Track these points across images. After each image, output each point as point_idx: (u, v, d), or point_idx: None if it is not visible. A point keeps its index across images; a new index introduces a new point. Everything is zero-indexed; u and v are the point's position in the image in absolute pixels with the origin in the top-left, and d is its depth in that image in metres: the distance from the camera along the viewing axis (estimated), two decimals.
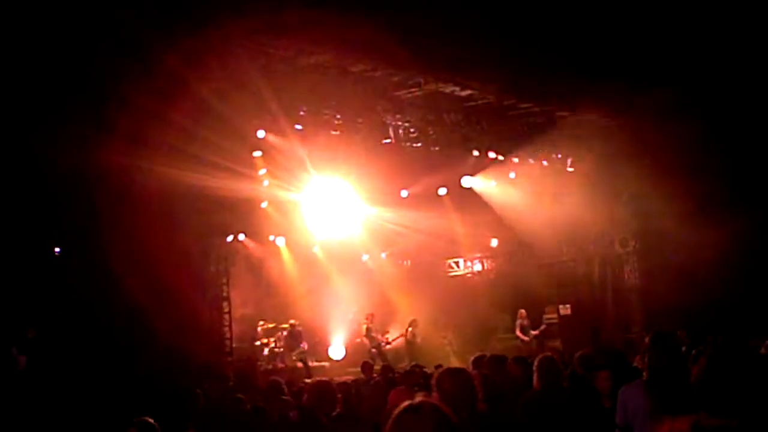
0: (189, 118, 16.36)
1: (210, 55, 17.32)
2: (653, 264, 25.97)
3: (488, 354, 10.79)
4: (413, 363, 17.14)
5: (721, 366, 3.18)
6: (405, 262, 29.07)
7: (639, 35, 21.19)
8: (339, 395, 8.64)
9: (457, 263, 29.94)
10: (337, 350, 25.31)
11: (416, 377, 11.99)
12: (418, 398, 3.54)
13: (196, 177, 16.72)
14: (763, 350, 12.46)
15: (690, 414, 3.21)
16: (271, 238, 25.95)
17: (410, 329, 25.58)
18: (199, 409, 10.26)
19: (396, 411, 3.35)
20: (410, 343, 25.43)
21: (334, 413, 8.03)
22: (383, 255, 29.07)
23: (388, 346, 24.41)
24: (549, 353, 13.96)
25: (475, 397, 5.87)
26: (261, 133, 20.43)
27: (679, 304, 23.43)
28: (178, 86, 15.84)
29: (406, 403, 3.40)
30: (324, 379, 9.33)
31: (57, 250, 16.77)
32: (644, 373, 7.25)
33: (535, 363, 8.66)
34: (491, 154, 25.45)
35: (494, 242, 29.81)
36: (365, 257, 28.58)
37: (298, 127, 20.55)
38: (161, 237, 15.48)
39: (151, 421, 5.75)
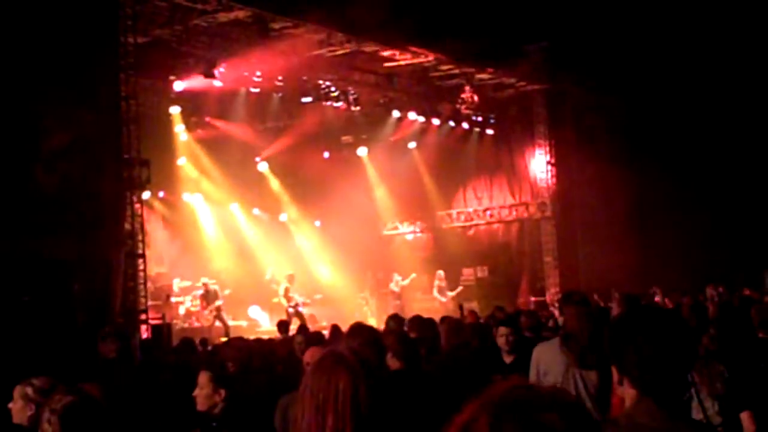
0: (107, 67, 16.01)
1: (127, 7, 16.94)
2: (570, 228, 26.36)
3: (403, 315, 10.82)
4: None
5: (628, 323, 3.22)
6: (315, 222, 28.85)
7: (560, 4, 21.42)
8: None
9: (375, 225, 29.91)
10: (257, 311, 25.15)
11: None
12: (329, 348, 3.51)
13: (111, 129, 16.37)
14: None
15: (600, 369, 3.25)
16: (188, 195, 25.65)
17: (399, 281, 25.78)
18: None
19: (314, 361, 3.32)
20: (397, 296, 25.67)
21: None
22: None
23: (305, 308, 24.38)
24: (456, 316, 14.13)
25: (382, 354, 5.85)
26: (179, 86, 20.17)
27: (594, 267, 23.88)
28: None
29: (324, 351, 3.37)
30: (240, 337, 9.28)
31: None
32: (560, 332, 7.38)
33: (444, 325, 8.81)
34: (411, 116, 25.49)
35: (413, 204, 29.88)
36: (283, 217, 28.42)
37: (218, 84, 20.28)
38: (75, 190, 15.14)
39: (40, 380, 5.47)
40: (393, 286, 25.90)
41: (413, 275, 26.37)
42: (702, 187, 23.62)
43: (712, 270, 20.34)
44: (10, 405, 5.47)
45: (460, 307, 23.18)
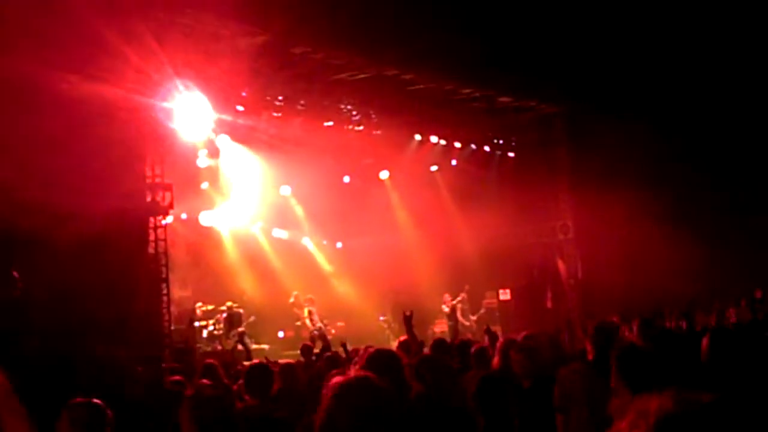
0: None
1: (149, 37, 17.07)
2: (592, 251, 26.22)
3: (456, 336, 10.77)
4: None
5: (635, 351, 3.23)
6: (336, 245, 28.92)
7: (579, 27, 21.35)
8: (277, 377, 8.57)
9: (397, 247, 29.87)
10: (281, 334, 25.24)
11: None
12: (352, 372, 3.49)
13: (137, 160, 16.51)
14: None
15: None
16: (211, 219, 25.71)
17: (458, 300, 25.85)
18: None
19: (332, 385, 3.29)
20: (450, 317, 25.78)
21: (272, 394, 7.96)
22: (324, 241, 29.05)
23: (333, 331, 24.39)
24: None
25: (402, 379, 5.82)
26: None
27: (616, 290, 23.71)
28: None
29: (341, 377, 3.33)
30: (262, 361, 9.28)
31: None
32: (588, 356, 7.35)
33: (498, 345, 8.72)
34: (433, 139, 25.53)
35: (435, 226, 29.83)
36: (305, 240, 28.47)
37: (240, 108, 20.38)
38: (99, 220, 15.23)
39: (96, 401, 5.54)
40: (444, 307, 25.89)
41: (462, 294, 26.35)
42: (730, 210, 23.45)
43: (741, 290, 20.14)
44: None
45: (487, 330, 23.16)
